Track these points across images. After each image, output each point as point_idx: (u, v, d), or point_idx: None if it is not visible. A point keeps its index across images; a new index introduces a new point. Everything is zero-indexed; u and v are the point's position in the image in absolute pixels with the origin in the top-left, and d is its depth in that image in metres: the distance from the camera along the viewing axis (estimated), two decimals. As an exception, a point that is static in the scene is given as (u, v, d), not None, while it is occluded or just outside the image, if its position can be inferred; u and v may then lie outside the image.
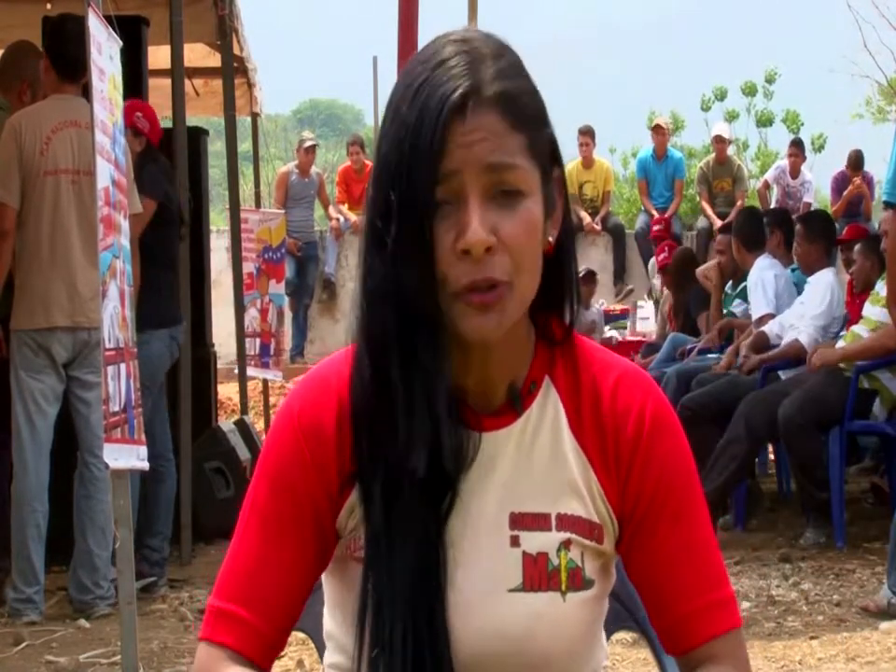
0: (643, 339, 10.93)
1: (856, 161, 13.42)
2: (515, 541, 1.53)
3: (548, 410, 1.57)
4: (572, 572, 1.53)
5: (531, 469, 1.54)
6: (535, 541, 1.53)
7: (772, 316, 7.74)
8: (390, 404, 1.48)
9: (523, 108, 1.49)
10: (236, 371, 9.07)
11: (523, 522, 1.53)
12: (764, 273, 7.88)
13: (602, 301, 12.42)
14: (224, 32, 8.03)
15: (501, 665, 1.52)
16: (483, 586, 1.51)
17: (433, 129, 1.44)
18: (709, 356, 8.30)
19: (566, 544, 1.53)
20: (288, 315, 12.61)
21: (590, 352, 1.60)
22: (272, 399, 10.03)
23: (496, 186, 1.46)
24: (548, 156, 1.52)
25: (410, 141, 1.45)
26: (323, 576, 1.60)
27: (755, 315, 7.91)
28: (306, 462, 1.54)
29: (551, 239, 1.53)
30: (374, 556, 1.48)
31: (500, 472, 1.54)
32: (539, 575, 1.52)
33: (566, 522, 1.54)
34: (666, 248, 10.57)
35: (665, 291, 10.43)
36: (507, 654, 1.51)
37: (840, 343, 6.92)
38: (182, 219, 6.33)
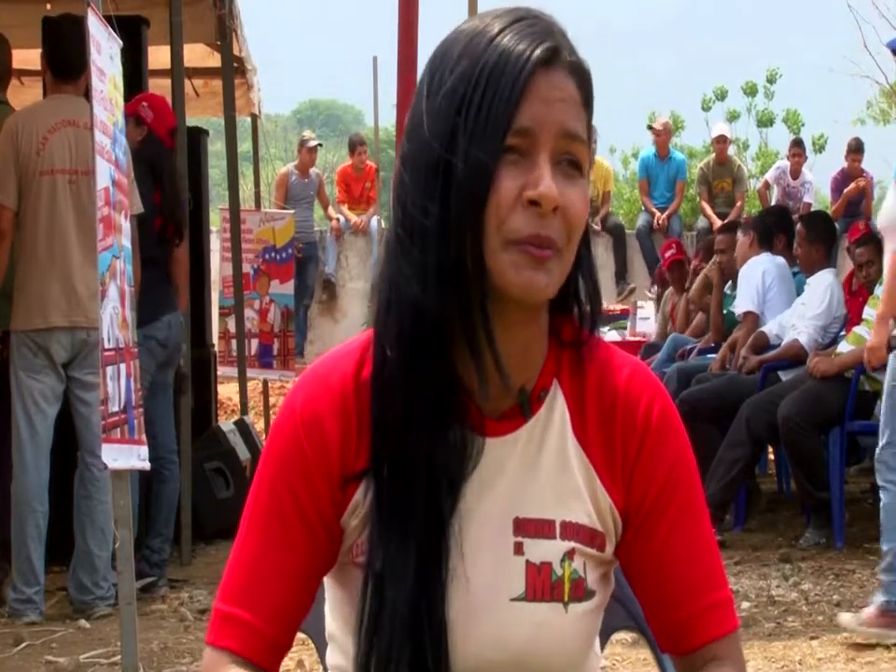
0: (643, 339, 10.88)
1: (856, 146, 13.37)
2: (519, 549, 1.50)
3: (555, 416, 1.54)
4: (575, 583, 1.51)
5: (536, 475, 1.52)
6: (539, 550, 1.50)
7: (753, 314, 7.76)
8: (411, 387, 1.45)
9: (590, 90, 1.49)
10: (219, 372, 9.00)
11: (527, 528, 1.50)
12: (752, 269, 7.88)
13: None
14: (224, 32, 8.03)
15: None
16: (486, 594, 1.49)
17: (518, 71, 1.42)
18: (709, 356, 8.31)
19: (569, 554, 1.51)
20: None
21: (598, 353, 1.57)
22: (272, 399, 10.02)
23: (564, 154, 1.44)
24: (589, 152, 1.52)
25: (488, 77, 1.42)
26: (325, 578, 1.57)
27: (737, 311, 7.96)
28: (307, 458, 1.50)
29: None
30: (376, 558, 1.46)
31: (506, 477, 1.51)
32: (542, 585, 1.50)
33: (569, 530, 1.51)
34: (674, 245, 10.50)
35: (667, 291, 10.39)
36: (507, 664, 1.49)
37: (843, 344, 6.92)
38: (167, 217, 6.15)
